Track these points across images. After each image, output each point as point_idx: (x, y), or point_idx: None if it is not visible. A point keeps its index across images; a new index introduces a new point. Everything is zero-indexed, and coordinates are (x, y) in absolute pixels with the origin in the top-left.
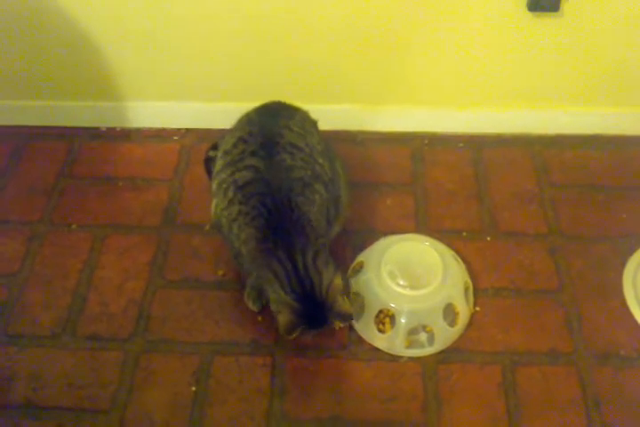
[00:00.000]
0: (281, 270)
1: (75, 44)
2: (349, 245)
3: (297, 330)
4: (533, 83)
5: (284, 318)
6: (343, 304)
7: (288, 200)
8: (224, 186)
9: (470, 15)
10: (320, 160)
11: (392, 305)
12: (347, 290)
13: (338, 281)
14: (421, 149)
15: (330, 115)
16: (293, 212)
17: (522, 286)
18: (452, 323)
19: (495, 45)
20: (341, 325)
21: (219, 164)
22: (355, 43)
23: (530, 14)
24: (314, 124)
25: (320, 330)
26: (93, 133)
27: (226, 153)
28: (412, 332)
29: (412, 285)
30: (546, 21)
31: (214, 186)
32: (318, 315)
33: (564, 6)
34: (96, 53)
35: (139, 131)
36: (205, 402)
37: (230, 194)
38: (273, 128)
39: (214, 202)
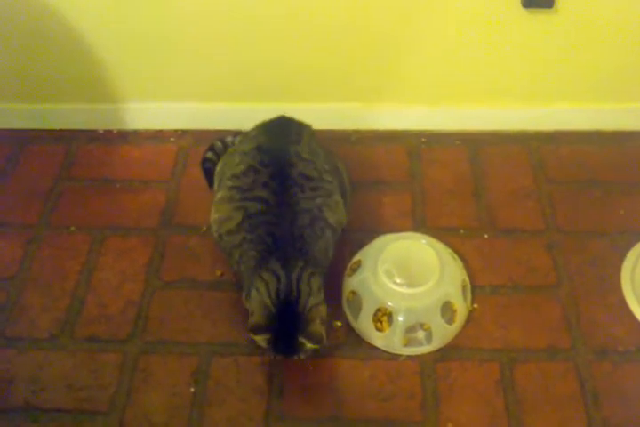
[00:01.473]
0: (273, 279)
1: (71, 47)
2: (347, 244)
3: (262, 334)
4: (529, 79)
5: (254, 318)
6: (319, 328)
7: (294, 231)
8: (233, 205)
9: (465, 12)
10: (329, 178)
11: (389, 304)
12: (327, 321)
13: (323, 308)
14: (418, 147)
15: (325, 113)
16: (297, 241)
17: (520, 282)
18: (449, 321)
19: (491, 42)
20: (311, 346)
21: (226, 184)
22: (350, 41)
23: (525, 11)
24: (317, 141)
25: (285, 353)
26: (91, 136)
27: (235, 177)
28: (410, 330)
29: (409, 283)
30: (541, 18)
31: (219, 195)
32: (289, 330)
33: (559, 2)
34: (93, 56)
35: (136, 132)
36: (204, 403)
37: (238, 219)
38: (283, 156)
39: (216, 214)
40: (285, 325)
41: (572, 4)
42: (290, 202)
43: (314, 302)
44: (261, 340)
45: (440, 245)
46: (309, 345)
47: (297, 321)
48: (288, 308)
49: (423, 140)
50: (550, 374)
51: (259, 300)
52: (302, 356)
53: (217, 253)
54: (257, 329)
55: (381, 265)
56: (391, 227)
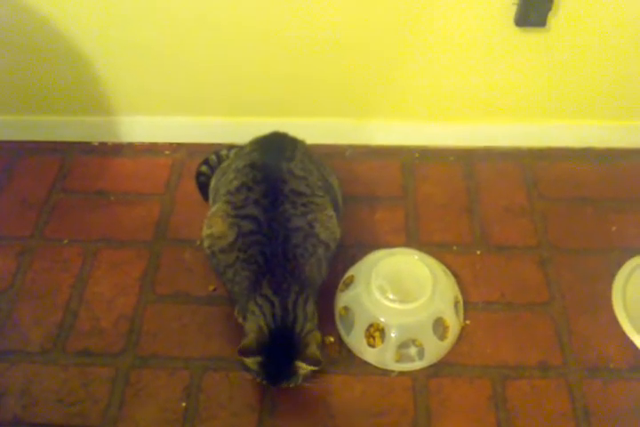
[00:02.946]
0: (267, 305)
1: (66, 60)
2: (339, 260)
3: (250, 357)
4: (522, 96)
5: (246, 340)
6: (316, 351)
7: (286, 251)
8: (228, 221)
9: (459, 30)
10: (321, 193)
11: (382, 319)
12: (321, 345)
13: (318, 334)
14: (412, 162)
15: (319, 128)
16: (290, 262)
17: (512, 299)
18: (441, 337)
19: (484, 60)
20: (308, 368)
21: (221, 199)
22: (345, 57)
23: (517, 29)
24: (311, 157)
25: (274, 378)
26: (85, 148)
27: (229, 193)
28: (403, 346)
29: (401, 299)
30: (533, 36)
31: (213, 210)
32: (284, 354)
33: (551, 21)
34: (88, 68)
35: (130, 145)
36: (196, 418)
37: (232, 237)
38: (276, 174)
39: (209, 230)
40: (279, 349)
41: (564, 24)
42: (281, 219)
43: (310, 327)
44: (252, 362)
45: (432, 261)
46: (305, 368)
47: (293, 346)
48: (284, 332)
49: (417, 155)
50: (542, 391)
51: (254, 321)
52: (292, 384)
53: (211, 268)
54: (246, 352)
55: (374, 281)
56: (384, 242)
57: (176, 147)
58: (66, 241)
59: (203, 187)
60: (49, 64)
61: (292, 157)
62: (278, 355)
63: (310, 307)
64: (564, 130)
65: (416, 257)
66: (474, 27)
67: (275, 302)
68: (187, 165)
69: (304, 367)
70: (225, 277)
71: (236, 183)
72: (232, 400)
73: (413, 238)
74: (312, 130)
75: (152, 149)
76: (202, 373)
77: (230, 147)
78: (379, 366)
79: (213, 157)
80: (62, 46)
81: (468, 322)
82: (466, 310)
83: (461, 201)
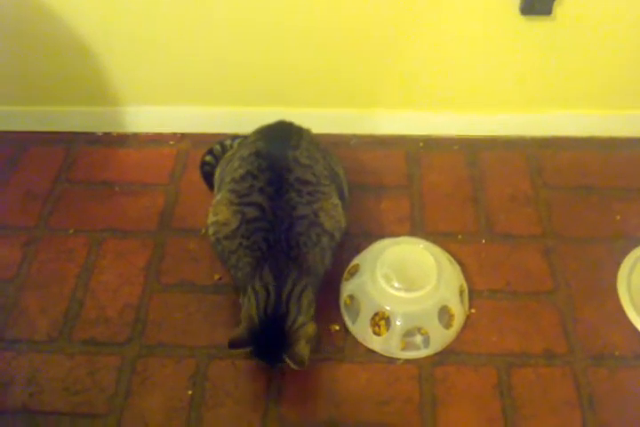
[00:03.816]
0: (263, 293)
1: (71, 50)
2: (345, 248)
3: (241, 349)
4: (527, 86)
5: (236, 332)
6: (303, 348)
7: (289, 238)
8: (232, 209)
9: (463, 19)
10: (326, 182)
11: (387, 308)
12: (314, 341)
13: (311, 327)
14: (417, 151)
15: (324, 118)
16: (292, 249)
17: (517, 287)
18: (447, 325)
19: (488, 48)
20: (292, 367)
21: (226, 187)
22: (349, 46)
23: (523, 18)
24: (317, 145)
25: (268, 363)
26: (90, 138)
27: (234, 181)
28: (408, 334)
29: (407, 287)
30: (539, 25)
31: (218, 198)
32: (272, 346)
33: (557, 10)
34: (93, 58)
35: (135, 136)
36: (202, 406)
37: (235, 224)
38: (281, 162)
39: (214, 217)
40: (268, 341)
41: (569, 12)
42: (287, 207)
43: (302, 320)
44: (242, 352)
45: (438, 250)
46: (291, 364)
47: (281, 340)
48: (274, 324)
49: (421, 144)
50: (547, 379)
51: (247, 309)
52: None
53: (215, 256)
54: (235, 344)
55: (380, 269)
56: (389, 231)
57: (180, 137)
58: (71, 231)
59: (207, 176)
60: (53, 54)
61: (297, 145)
62: (267, 346)
63: (306, 298)
64: (568, 119)
65: (421, 246)
66: (479, 15)
67: (270, 292)
68: (191, 154)
69: (290, 363)
70: (229, 264)
71: (241, 171)
72: (238, 388)
73: (418, 227)
74: (317, 119)
75: (157, 139)
76: (208, 361)
77: (235, 136)
78: (384, 354)
79: (218, 147)
80: (67, 36)
81: (473, 310)
82: (471, 298)
83: (466, 190)
